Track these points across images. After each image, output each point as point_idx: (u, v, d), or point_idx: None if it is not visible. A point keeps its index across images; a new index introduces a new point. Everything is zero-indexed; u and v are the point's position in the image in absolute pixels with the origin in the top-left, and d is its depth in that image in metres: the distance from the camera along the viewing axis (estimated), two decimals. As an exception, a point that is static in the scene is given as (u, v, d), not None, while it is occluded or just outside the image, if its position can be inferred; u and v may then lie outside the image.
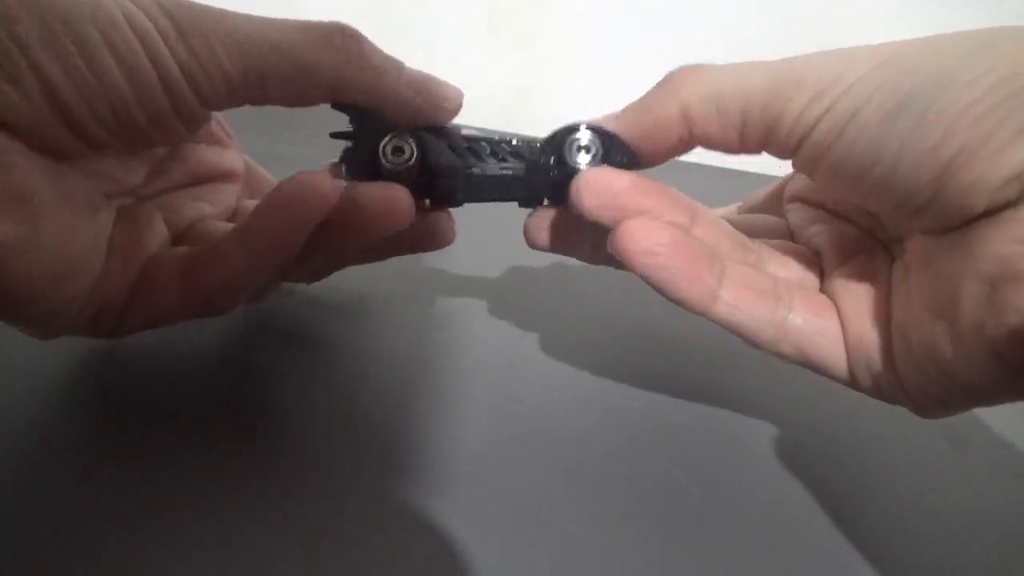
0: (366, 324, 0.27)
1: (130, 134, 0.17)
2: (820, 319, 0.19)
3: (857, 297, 0.19)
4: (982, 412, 0.27)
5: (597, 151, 0.20)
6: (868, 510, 0.21)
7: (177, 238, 0.22)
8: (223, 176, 0.25)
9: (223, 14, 0.18)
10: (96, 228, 0.19)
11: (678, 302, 0.19)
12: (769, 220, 0.25)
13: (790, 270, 0.22)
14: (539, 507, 0.20)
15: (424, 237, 0.23)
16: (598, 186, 0.19)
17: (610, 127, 0.20)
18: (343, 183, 0.20)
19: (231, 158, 0.25)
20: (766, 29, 0.57)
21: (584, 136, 0.20)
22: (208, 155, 0.24)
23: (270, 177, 0.28)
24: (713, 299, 0.19)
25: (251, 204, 0.25)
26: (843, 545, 0.20)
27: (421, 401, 0.23)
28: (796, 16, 0.57)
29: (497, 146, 0.22)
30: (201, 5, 0.18)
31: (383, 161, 0.20)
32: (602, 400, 0.25)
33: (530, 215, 0.23)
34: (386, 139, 0.20)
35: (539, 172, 0.21)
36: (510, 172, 0.22)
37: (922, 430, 0.25)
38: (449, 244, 0.24)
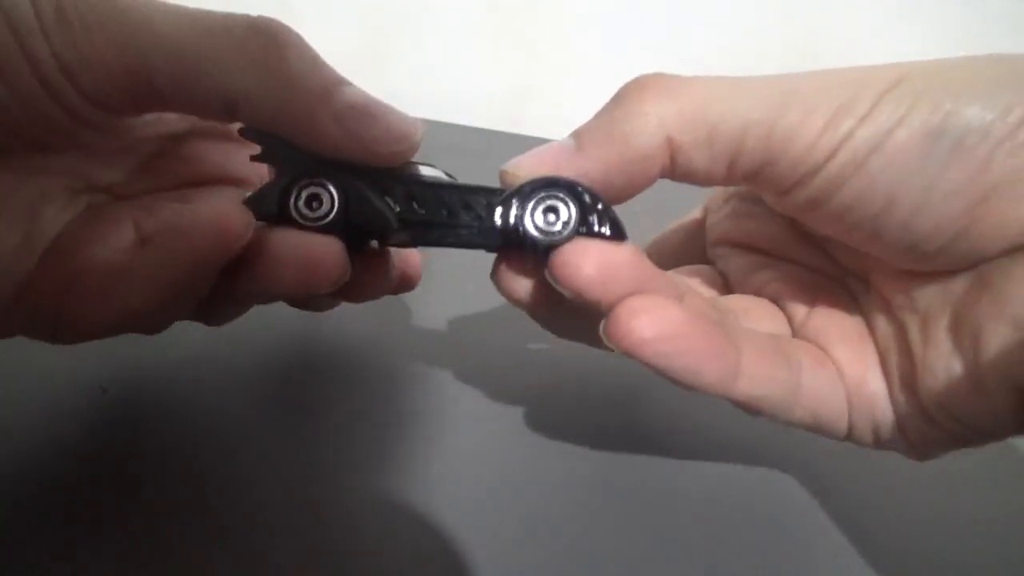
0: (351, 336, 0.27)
1: (25, 137, 0.16)
2: (826, 371, 0.17)
3: (844, 343, 0.18)
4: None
5: (569, 219, 0.16)
6: (867, 511, 0.21)
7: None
8: (228, 180, 0.21)
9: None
10: (26, 229, 0.17)
11: (697, 388, 0.16)
12: (702, 272, 0.22)
13: (765, 324, 0.19)
14: (537, 511, 0.20)
15: (372, 283, 0.20)
16: (587, 262, 0.15)
17: (576, 168, 0.16)
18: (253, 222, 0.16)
19: (242, 161, 0.21)
20: (766, 27, 0.57)
21: (552, 199, 0.16)
22: (211, 154, 0.21)
23: None
24: (735, 375, 0.16)
25: None
26: (843, 546, 0.20)
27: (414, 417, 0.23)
28: (796, 15, 0.57)
29: (450, 195, 0.17)
30: None
31: (293, 213, 0.16)
32: (600, 399, 0.25)
33: (499, 265, 0.18)
34: (298, 184, 0.16)
35: (500, 236, 0.16)
36: (463, 232, 0.17)
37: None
38: (408, 289, 0.21)
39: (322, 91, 0.15)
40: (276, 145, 0.16)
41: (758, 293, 0.20)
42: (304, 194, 0.16)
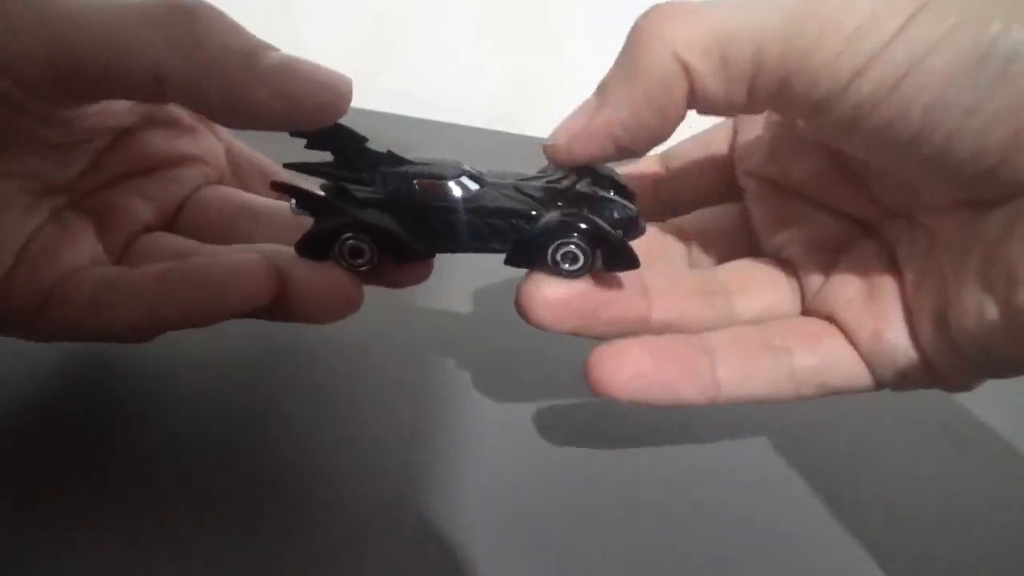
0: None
1: None
2: (823, 346, 0.18)
3: (858, 303, 0.18)
4: (982, 412, 0.27)
5: (586, 261, 0.17)
6: (869, 510, 0.21)
7: (119, 250, 0.20)
8: (176, 162, 0.22)
9: None
10: None
11: (680, 407, 0.17)
12: (732, 213, 0.22)
13: (764, 299, 0.19)
14: (542, 519, 0.20)
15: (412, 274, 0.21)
16: (539, 302, 0.17)
17: (604, 119, 0.16)
18: (276, 271, 0.18)
19: (189, 142, 0.22)
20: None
21: (569, 244, 0.17)
22: (155, 141, 0.21)
23: (261, 161, 0.24)
24: (715, 386, 0.17)
25: (227, 192, 0.23)
26: (845, 545, 0.20)
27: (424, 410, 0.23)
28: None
29: (479, 223, 0.18)
30: None
31: (339, 260, 0.18)
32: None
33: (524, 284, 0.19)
34: (343, 236, 0.18)
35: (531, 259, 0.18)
36: (493, 250, 0.18)
37: (922, 431, 0.25)
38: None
39: (243, 58, 0.16)
40: (307, 196, 0.18)
41: (777, 253, 0.20)
42: (347, 247, 0.18)
